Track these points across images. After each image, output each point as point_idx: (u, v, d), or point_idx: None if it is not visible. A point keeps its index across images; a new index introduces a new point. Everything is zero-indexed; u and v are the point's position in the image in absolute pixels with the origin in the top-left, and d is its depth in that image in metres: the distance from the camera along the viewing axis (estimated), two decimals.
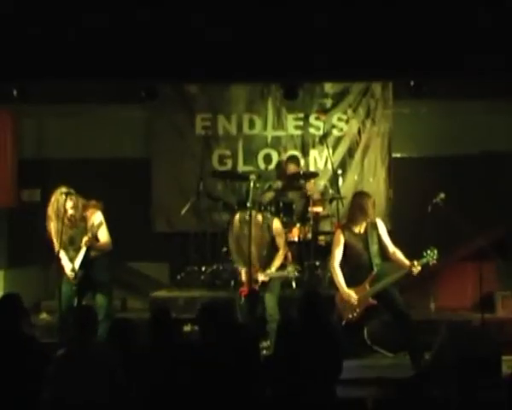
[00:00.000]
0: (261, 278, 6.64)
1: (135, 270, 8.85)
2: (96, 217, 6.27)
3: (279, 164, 8.91)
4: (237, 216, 7.04)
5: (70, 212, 6.21)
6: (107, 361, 4.42)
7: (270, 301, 6.62)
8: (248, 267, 6.46)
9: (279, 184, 8.40)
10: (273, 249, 6.90)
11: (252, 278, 6.47)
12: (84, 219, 6.29)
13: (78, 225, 6.29)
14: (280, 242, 6.90)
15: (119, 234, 6.54)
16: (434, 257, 6.17)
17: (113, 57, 6.66)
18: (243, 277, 6.72)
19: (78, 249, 6.24)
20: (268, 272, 6.70)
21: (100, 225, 6.22)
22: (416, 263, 6.17)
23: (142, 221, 8.86)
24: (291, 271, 6.75)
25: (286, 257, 7.54)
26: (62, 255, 6.25)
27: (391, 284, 6.29)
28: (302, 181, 8.20)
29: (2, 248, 8.09)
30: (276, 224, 6.95)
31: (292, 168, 8.33)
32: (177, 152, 9.02)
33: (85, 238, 6.18)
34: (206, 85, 8.89)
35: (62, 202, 6.17)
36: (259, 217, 6.83)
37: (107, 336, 4.98)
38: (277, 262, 6.84)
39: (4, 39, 6.49)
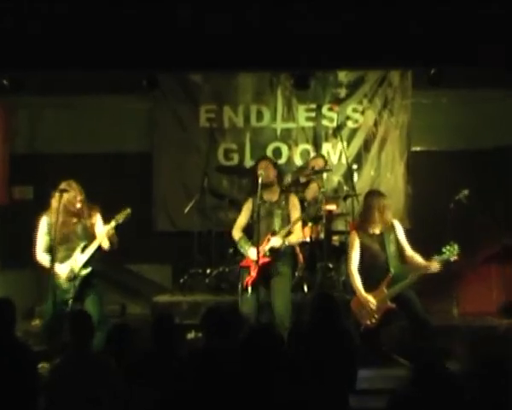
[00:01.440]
0: (272, 242, 6.48)
1: (135, 273, 8.85)
2: (98, 217, 6.37)
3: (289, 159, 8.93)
4: (250, 199, 6.92)
5: (78, 205, 6.25)
6: (105, 369, 4.44)
7: (280, 305, 6.46)
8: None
9: (289, 179, 8.40)
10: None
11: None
12: (88, 218, 6.35)
13: (81, 223, 6.31)
14: (294, 215, 6.70)
15: (118, 234, 6.45)
16: (455, 253, 6.10)
17: (112, 45, 6.65)
18: (251, 256, 6.53)
19: (71, 249, 6.24)
20: (282, 232, 6.52)
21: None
22: (435, 259, 6.14)
23: (143, 220, 8.83)
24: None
25: (297, 258, 7.55)
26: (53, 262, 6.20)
27: (409, 285, 6.26)
28: (314, 176, 8.17)
29: None
30: (294, 198, 6.84)
31: (320, 163, 8.22)
32: (179, 146, 9.00)
33: (108, 227, 6.23)
34: (211, 74, 8.89)
35: (69, 196, 6.22)
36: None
37: (105, 343, 4.97)
38: (292, 235, 6.62)
39: None
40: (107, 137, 8.94)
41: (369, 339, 6.24)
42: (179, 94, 8.99)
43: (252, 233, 6.74)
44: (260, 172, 6.55)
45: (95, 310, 6.10)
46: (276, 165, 6.87)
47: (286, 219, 6.67)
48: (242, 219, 6.87)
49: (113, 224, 6.26)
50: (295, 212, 6.71)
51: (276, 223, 6.64)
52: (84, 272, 6.24)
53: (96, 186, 6.85)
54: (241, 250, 6.76)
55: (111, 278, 6.99)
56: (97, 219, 6.36)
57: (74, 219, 6.28)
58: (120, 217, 6.30)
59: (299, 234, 6.77)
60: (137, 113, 9.01)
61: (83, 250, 6.26)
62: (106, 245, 6.29)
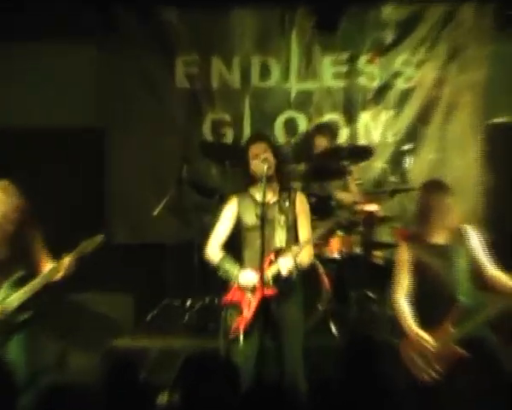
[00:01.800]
0: (281, 265, 6.29)
1: (81, 305, 8.82)
2: (39, 234, 6.40)
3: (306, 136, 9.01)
4: (235, 199, 6.76)
5: (15, 217, 6.27)
6: None
7: (293, 348, 6.41)
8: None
9: (303, 167, 8.45)
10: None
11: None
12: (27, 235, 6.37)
13: (17, 242, 6.33)
14: (303, 223, 6.60)
15: (59, 248, 6.44)
16: None
17: None
18: (244, 282, 6.38)
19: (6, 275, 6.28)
20: (295, 249, 6.34)
21: None
22: None
23: (93, 227, 8.80)
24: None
25: (322, 283, 7.51)
26: None
27: (486, 322, 6.24)
28: (345, 162, 8.14)
29: None
30: (300, 196, 6.68)
31: (321, 144, 8.36)
32: (146, 117, 9.11)
33: (67, 260, 6.25)
34: (192, 11, 8.98)
35: (4, 206, 6.23)
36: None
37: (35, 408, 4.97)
38: (302, 252, 6.46)
39: None
40: (37, 105, 9.12)
41: (429, 400, 6.20)
42: (146, 41, 9.08)
43: (236, 252, 6.56)
44: (265, 155, 6.43)
45: (21, 360, 6.17)
46: (276, 150, 6.67)
47: (292, 230, 6.56)
48: (223, 228, 6.66)
49: (73, 256, 6.32)
50: (304, 218, 6.62)
51: (279, 235, 6.51)
52: (22, 316, 6.27)
53: (25, 177, 6.81)
54: (225, 276, 6.55)
55: (45, 312, 6.94)
56: (39, 236, 6.41)
57: (8, 237, 6.28)
58: (87, 247, 6.41)
59: (311, 250, 6.66)
60: (83, 68, 9.13)
61: (20, 282, 6.28)
62: (57, 277, 6.37)
